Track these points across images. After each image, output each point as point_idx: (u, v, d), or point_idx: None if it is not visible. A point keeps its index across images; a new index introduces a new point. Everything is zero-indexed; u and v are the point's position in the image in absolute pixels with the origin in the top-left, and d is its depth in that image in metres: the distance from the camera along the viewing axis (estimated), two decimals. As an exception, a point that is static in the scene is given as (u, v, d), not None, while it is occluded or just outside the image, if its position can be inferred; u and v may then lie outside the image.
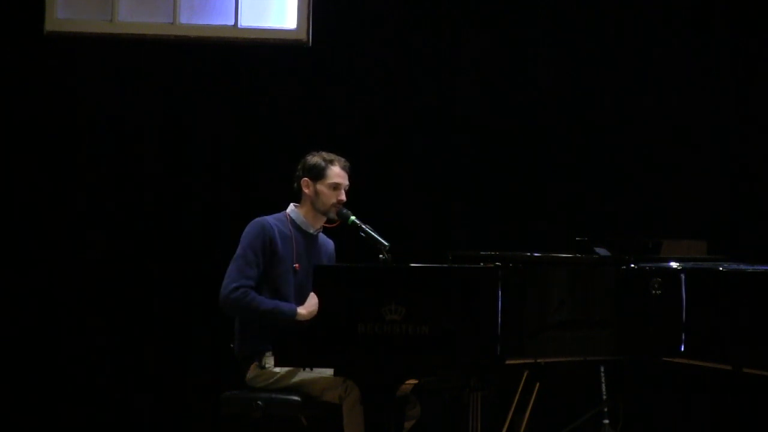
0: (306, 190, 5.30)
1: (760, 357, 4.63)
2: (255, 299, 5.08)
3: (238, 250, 5.18)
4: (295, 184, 5.33)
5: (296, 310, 5.03)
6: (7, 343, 6.82)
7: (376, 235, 5.11)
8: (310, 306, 4.97)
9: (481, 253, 4.69)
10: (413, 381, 4.79)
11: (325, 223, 5.34)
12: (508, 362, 4.58)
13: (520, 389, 5.20)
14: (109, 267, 6.86)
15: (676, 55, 6.82)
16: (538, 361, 4.83)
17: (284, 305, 5.08)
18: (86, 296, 6.84)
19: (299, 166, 5.33)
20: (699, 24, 6.82)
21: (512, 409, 5.23)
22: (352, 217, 5.20)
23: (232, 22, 6.94)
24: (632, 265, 4.68)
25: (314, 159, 5.31)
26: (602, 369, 6.28)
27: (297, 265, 5.21)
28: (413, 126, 6.90)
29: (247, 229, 5.23)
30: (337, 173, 5.28)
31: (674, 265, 4.70)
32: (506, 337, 4.48)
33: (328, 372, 4.89)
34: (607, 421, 6.28)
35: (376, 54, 6.91)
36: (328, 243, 5.45)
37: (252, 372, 5.16)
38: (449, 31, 6.91)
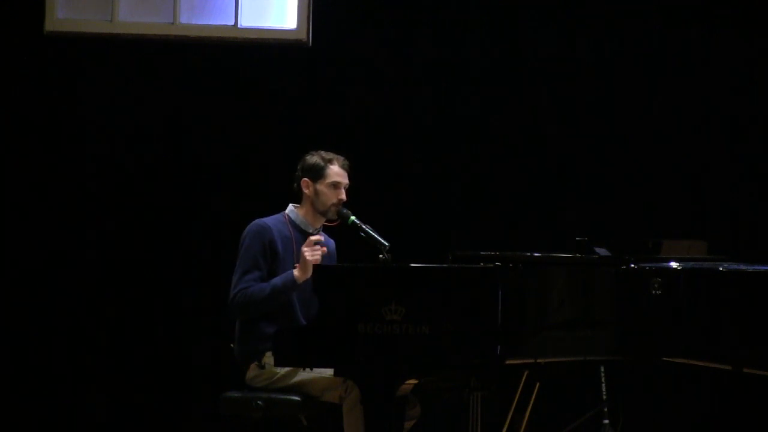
0: (306, 191, 5.28)
1: (760, 357, 4.62)
2: (252, 294, 5.07)
3: (238, 258, 5.17)
4: (295, 185, 5.32)
5: (293, 277, 5.05)
6: (7, 343, 6.83)
7: (376, 235, 5.10)
8: (303, 266, 5.01)
9: (481, 253, 4.69)
10: (413, 381, 4.79)
11: (326, 222, 5.33)
12: (508, 362, 4.58)
13: (520, 389, 5.19)
14: (108, 267, 6.86)
15: (677, 54, 6.82)
16: (538, 361, 4.82)
17: (279, 283, 5.07)
18: (86, 296, 6.84)
19: (299, 167, 5.31)
20: (699, 23, 6.82)
21: (512, 409, 5.23)
22: (352, 217, 5.19)
23: (232, 22, 6.94)
24: (632, 265, 4.67)
25: (313, 159, 5.29)
26: (602, 369, 6.28)
27: (297, 265, 5.20)
28: (413, 126, 6.90)
29: (246, 232, 5.22)
30: (336, 172, 5.27)
31: (674, 265, 4.70)
32: (506, 337, 4.48)
33: (328, 372, 4.88)
34: (607, 421, 6.28)
35: (376, 54, 6.91)
36: (328, 242, 5.43)
37: (252, 372, 5.16)
38: (449, 31, 6.91)
